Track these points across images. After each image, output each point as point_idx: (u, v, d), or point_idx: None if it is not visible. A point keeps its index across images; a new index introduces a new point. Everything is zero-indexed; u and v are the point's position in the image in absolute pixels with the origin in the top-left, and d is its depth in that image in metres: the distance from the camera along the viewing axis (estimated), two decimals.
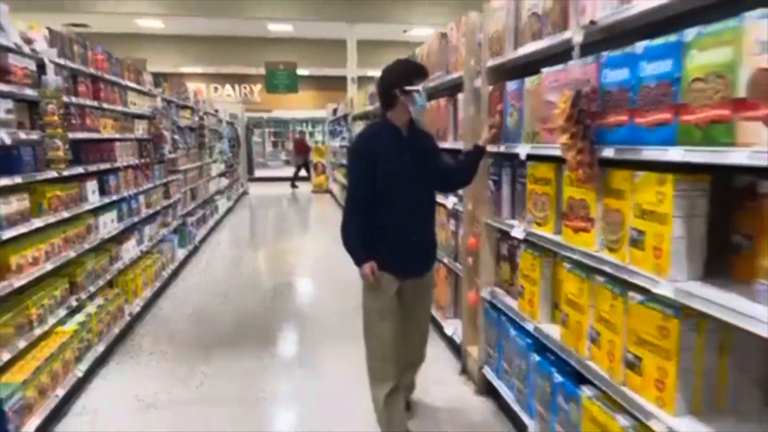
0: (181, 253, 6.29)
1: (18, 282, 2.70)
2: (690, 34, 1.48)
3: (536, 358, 2.43)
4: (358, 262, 2.49)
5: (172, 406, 3.08)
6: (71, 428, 2.85)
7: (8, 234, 2.59)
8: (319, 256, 7.24)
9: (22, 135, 2.80)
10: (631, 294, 1.78)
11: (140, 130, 5.17)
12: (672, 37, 1.55)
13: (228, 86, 18.47)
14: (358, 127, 8.81)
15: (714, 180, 1.59)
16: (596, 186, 1.96)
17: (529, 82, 2.45)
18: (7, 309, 2.65)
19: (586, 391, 2.03)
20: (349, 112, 10.33)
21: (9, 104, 2.73)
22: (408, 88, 2.46)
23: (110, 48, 4.56)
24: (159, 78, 6.08)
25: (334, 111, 13.20)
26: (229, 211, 11.00)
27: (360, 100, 8.87)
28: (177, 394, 3.23)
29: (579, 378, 2.12)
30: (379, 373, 2.58)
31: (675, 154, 1.52)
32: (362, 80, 13.57)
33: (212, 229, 8.68)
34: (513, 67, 2.82)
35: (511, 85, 2.65)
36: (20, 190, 2.82)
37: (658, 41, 1.60)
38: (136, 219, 4.78)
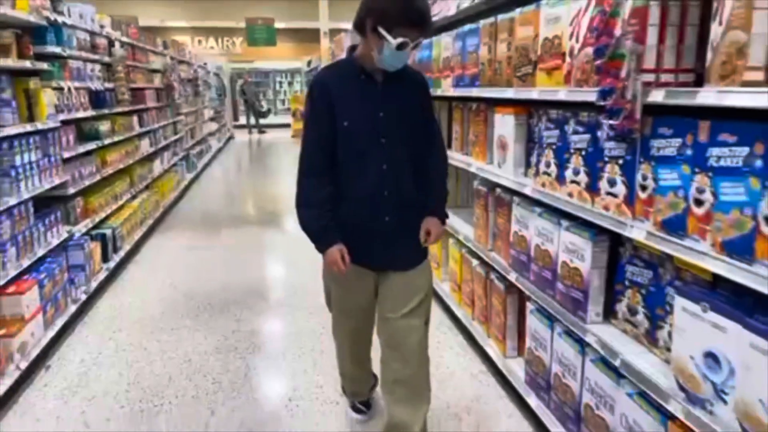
0: (188, 176, 8.28)
1: (110, 171, 4.69)
2: (434, 39, 3.47)
3: None
4: (322, 245, 1.92)
5: (203, 248, 5.18)
6: (147, 254, 4.96)
7: (107, 141, 4.57)
8: (292, 178, 9.28)
9: (107, 84, 4.73)
10: None
11: (156, 81, 7.04)
12: (429, 39, 3.54)
13: (212, 39, 19.82)
14: None
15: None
16: None
17: None
18: (105, 186, 4.64)
19: None
20: (319, 64, 12.11)
21: (98, 66, 4.64)
22: (380, 29, 1.75)
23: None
24: (165, 40, 7.88)
25: (308, 63, 14.90)
26: (219, 151, 12.90)
27: (325, 55, 10.68)
28: (204, 242, 5.35)
29: None
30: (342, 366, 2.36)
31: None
32: (335, 32, 15.20)
33: (208, 164, 10.63)
34: None
35: None
36: (106, 118, 4.75)
37: (426, 41, 3.59)
38: (159, 146, 6.72)
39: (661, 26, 1.48)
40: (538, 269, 2.21)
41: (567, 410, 2.02)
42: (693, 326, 1.37)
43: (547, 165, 2.10)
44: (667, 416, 1.50)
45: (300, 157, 1.98)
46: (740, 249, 1.24)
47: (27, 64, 3.21)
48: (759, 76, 1.17)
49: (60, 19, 3.77)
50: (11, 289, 2.79)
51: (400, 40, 1.75)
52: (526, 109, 2.35)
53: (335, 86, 1.91)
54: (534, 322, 2.26)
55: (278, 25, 16.49)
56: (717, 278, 1.39)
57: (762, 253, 1.19)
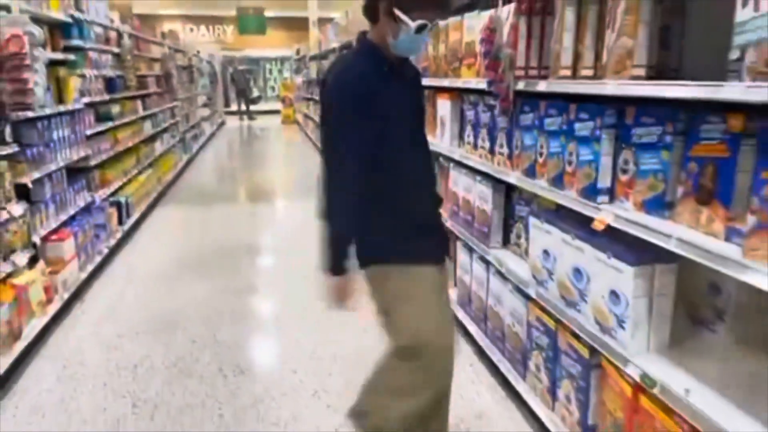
0: (185, 157, 8.94)
1: (121, 148, 5.36)
2: None
3: None
4: (338, 266, 1.71)
5: (202, 218, 5.90)
6: (153, 222, 5.66)
7: (119, 121, 5.24)
8: (282, 161, 9.99)
9: (118, 72, 5.40)
10: None
11: (156, 68, 7.68)
12: None
13: (203, 27, 20.34)
14: (314, 67, 11.27)
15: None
16: None
17: None
18: (116, 162, 5.31)
19: None
20: (307, 53, 12.73)
21: (110, 56, 5.30)
22: (397, 12, 1.59)
23: None
24: (164, 31, 8.50)
25: (298, 51, 15.50)
26: (212, 135, 13.54)
27: (313, 43, 11.32)
28: (203, 214, 6.07)
29: None
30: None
31: None
32: (324, 22, 15.77)
33: (202, 147, 11.29)
34: None
35: None
36: (116, 101, 5.42)
37: None
38: (159, 128, 7.38)
39: (527, 37, 2.21)
40: (463, 215, 2.95)
41: (479, 313, 2.78)
42: (537, 234, 2.12)
43: (468, 136, 2.83)
44: (527, 298, 2.25)
45: (337, 166, 1.69)
46: (557, 182, 1.99)
47: (59, 55, 3.88)
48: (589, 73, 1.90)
49: (82, 16, 4.43)
50: (54, 237, 3.49)
51: (420, 22, 1.58)
52: (459, 95, 3.07)
53: (375, 81, 1.68)
54: (461, 255, 3.00)
55: (268, 14, 17.01)
56: (559, 206, 2.12)
57: (567, 183, 1.93)
